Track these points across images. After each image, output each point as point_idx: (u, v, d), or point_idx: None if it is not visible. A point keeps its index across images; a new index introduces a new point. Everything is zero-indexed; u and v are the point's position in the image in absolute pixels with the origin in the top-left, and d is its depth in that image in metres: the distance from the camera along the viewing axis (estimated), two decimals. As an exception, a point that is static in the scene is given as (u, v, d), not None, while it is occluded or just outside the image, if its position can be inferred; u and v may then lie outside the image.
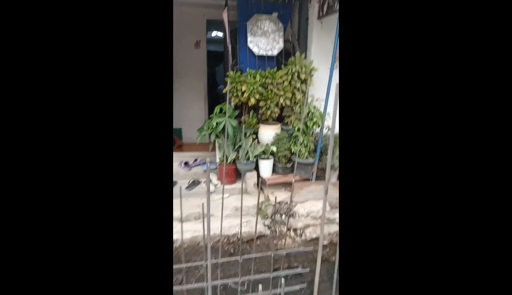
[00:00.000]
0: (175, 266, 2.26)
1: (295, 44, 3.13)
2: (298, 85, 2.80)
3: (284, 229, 2.55)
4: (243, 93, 2.66)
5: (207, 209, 1.19)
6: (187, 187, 2.69)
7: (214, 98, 4.76)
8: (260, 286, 1.24)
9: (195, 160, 3.02)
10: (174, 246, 2.33)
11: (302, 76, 2.77)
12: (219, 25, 3.99)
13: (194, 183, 2.74)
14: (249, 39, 2.96)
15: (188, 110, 4.19)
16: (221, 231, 1.91)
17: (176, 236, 2.32)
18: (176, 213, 2.54)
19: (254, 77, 2.68)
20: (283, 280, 1.37)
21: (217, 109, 2.77)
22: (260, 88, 2.67)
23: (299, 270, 2.32)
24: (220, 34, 5.33)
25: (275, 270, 2.63)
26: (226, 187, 2.74)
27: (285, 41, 3.11)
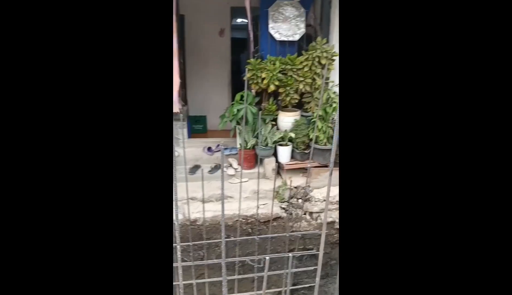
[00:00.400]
0: (197, 242, 2.46)
1: (317, 29, 3.09)
2: (318, 70, 2.79)
3: (300, 212, 2.64)
4: (263, 80, 2.72)
5: (221, 192, 1.30)
6: (209, 171, 2.86)
7: (238, 85, 4.85)
8: (267, 258, 1.35)
9: (218, 145, 3.17)
10: (197, 224, 2.53)
11: (323, 62, 2.75)
12: (243, 12, 4.02)
13: (217, 167, 2.90)
14: (270, 25, 2.97)
15: (212, 98, 4.34)
16: (239, 211, 2.03)
17: (199, 215, 2.51)
18: (199, 194, 2.73)
19: (274, 64, 2.71)
20: (290, 258, 1.46)
21: (238, 96, 2.87)
22: (279, 75, 2.70)
23: (314, 251, 2.41)
24: (245, 20, 5.34)
25: (290, 250, 2.74)
26: (246, 171, 2.86)
27: (307, 26, 3.08)
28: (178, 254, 1.21)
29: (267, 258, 1.37)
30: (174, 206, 1.03)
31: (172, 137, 0.77)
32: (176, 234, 1.16)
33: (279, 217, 2.63)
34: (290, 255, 1.49)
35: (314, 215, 2.70)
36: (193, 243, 2.28)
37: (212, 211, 2.58)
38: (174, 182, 0.97)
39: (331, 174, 1.21)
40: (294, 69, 2.75)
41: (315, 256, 2.64)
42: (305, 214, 2.71)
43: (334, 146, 1.21)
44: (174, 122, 3.05)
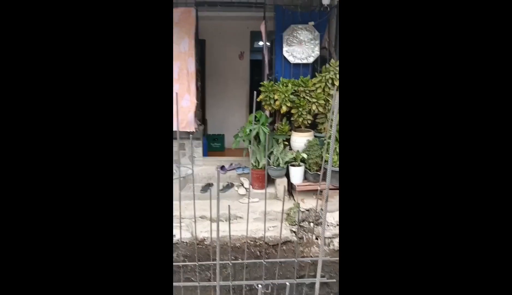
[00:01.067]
0: (204, 263, 2.44)
1: (332, 51, 3.10)
2: (332, 92, 2.77)
3: (311, 236, 2.54)
4: (275, 101, 2.75)
5: (217, 212, 1.31)
6: (221, 190, 2.89)
7: (256, 105, 4.93)
8: (260, 286, 1.30)
9: (231, 164, 3.21)
10: (204, 243, 2.53)
11: (337, 83, 2.73)
12: (261, 36, 4.17)
13: (228, 186, 2.92)
14: (284, 49, 3.04)
15: (231, 117, 4.44)
16: (246, 233, 2.01)
17: (207, 234, 2.52)
18: (209, 213, 2.75)
19: (286, 86, 2.75)
20: (288, 287, 1.40)
21: (251, 117, 2.92)
22: (291, 96, 2.72)
23: (325, 279, 2.29)
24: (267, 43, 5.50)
25: (300, 277, 2.62)
26: (257, 191, 2.85)
27: (322, 48, 3.10)
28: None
29: (260, 286, 1.33)
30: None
31: (172, 153, 0.79)
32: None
33: (289, 241, 2.55)
34: (287, 282, 1.43)
35: (327, 240, 2.59)
36: (200, 262, 2.27)
37: (221, 230, 2.57)
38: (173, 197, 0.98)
39: (327, 201, 1.17)
40: (307, 91, 2.76)
41: (327, 284, 2.51)
42: (316, 238, 2.61)
43: (329, 165, 1.17)
44: (189, 141, 3.16)
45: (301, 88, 2.76)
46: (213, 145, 4.21)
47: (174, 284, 1.87)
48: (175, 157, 3.28)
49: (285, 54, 3.04)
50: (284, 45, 3.04)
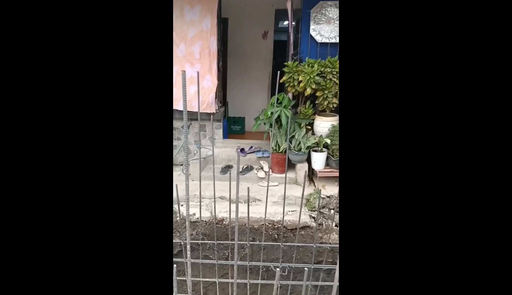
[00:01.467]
0: (222, 242, 2.47)
1: (363, 30, 2.90)
2: (360, 74, 2.62)
3: (331, 223, 2.49)
4: (299, 83, 2.64)
5: (236, 192, 1.28)
6: (240, 172, 2.88)
7: (279, 87, 4.80)
8: (278, 269, 1.28)
9: (251, 147, 3.17)
10: (223, 223, 2.56)
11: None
12: (287, 15, 3.99)
13: (247, 169, 2.90)
14: (311, 27, 2.88)
15: (252, 100, 4.37)
16: (265, 215, 2.00)
17: (226, 214, 2.54)
18: (227, 194, 2.76)
19: (312, 67, 2.62)
20: (306, 272, 1.37)
21: (272, 99, 2.83)
22: (317, 78, 2.60)
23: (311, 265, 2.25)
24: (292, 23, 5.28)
25: (318, 262, 2.60)
26: (277, 175, 2.81)
27: (352, 27, 2.91)
28: (188, 252, 1.23)
29: (278, 269, 1.30)
30: (186, 204, 1.04)
31: (172, 136, 0.76)
32: (187, 231, 1.18)
33: (308, 226, 2.52)
34: (305, 268, 1.40)
35: (347, 228, 2.52)
36: (218, 241, 2.30)
37: (239, 211, 2.58)
38: (179, 179, 0.96)
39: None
40: (334, 72, 2.62)
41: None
42: (336, 225, 2.55)
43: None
44: (210, 122, 3.15)
45: (328, 70, 2.62)
46: (233, 128, 4.18)
47: (193, 260, 1.92)
48: (195, 138, 3.29)
49: (312, 33, 2.88)
50: (311, 23, 2.87)
